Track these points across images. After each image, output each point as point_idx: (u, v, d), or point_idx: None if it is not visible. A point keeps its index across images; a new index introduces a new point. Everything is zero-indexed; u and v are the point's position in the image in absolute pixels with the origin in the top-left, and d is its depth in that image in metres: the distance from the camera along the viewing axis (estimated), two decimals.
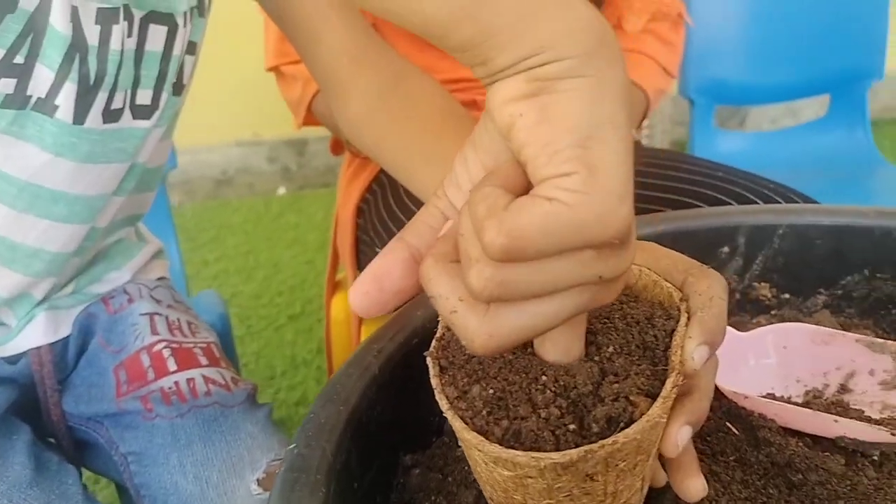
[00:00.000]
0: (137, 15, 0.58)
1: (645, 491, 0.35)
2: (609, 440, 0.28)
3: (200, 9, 0.65)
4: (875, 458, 0.42)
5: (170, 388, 0.65)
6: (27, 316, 0.67)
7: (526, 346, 0.33)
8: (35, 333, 0.68)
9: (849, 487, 0.40)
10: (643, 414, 0.29)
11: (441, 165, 0.59)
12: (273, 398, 1.44)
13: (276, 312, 1.78)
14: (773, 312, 0.60)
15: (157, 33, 0.60)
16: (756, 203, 0.77)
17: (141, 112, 0.62)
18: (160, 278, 0.79)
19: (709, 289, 0.34)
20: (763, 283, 0.60)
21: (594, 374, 0.32)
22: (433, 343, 0.34)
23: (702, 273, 0.35)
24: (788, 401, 0.46)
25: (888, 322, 0.59)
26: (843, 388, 0.46)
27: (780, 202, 0.78)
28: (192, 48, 0.65)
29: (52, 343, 0.69)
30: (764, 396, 0.46)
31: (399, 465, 0.45)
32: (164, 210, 1.13)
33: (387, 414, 0.43)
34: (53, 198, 0.60)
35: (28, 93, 0.54)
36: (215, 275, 1.96)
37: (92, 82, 0.57)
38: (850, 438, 0.41)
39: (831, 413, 0.44)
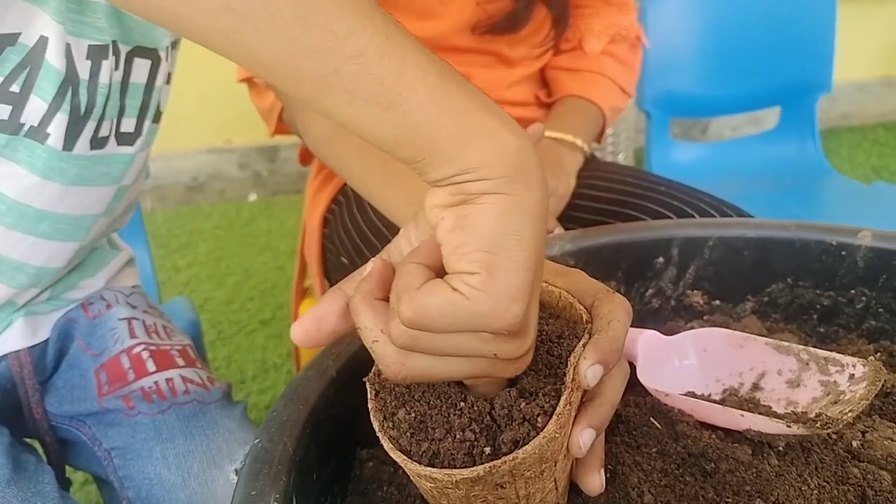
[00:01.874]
0: (124, 50, 0.63)
1: (562, 489, 0.40)
2: (510, 457, 0.34)
3: (176, 42, 0.69)
4: (780, 448, 0.47)
5: (150, 388, 0.69)
6: (6, 321, 0.71)
7: None
8: (13, 338, 0.71)
9: (754, 474, 0.45)
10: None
11: (398, 186, 0.64)
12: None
13: (247, 317, 1.81)
14: (705, 318, 0.65)
15: (141, 66, 0.65)
16: (693, 216, 0.83)
17: (125, 139, 0.66)
18: (134, 286, 0.83)
19: (609, 312, 0.39)
20: (696, 291, 0.65)
21: (511, 397, 0.37)
22: (373, 369, 0.39)
23: (606, 297, 0.40)
24: (708, 398, 0.51)
25: (810, 326, 0.65)
26: (756, 387, 0.51)
27: (714, 215, 0.83)
28: (169, 78, 0.69)
29: (31, 347, 0.72)
30: (686, 394, 0.51)
31: (356, 459, 0.49)
32: (136, 217, 1.16)
33: (344, 412, 0.48)
34: (39, 217, 0.64)
35: (21, 120, 0.59)
36: (187, 281, 1.98)
37: (82, 113, 0.61)
38: (755, 431, 0.46)
39: (744, 409, 0.49)
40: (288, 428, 0.43)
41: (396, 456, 0.35)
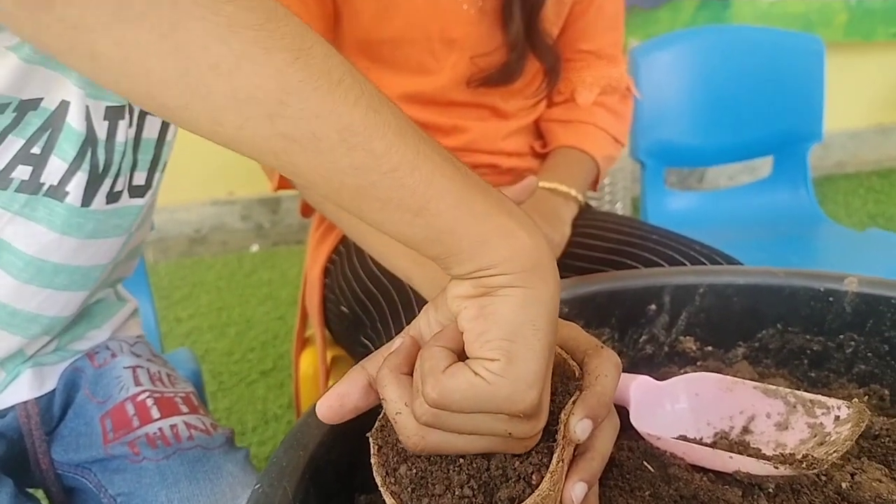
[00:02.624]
0: (137, 108, 0.65)
1: None
2: None
3: None
4: (770, 490, 0.48)
5: (155, 434, 0.70)
6: (13, 372, 0.72)
7: None
8: (21, 389, 0.73)
9: None
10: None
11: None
12: None
13: (247, 368, 1.82)
14: (698, 364, 0.66)
15: (153, 122, 0.68)
16: (685, 264, 0.85)
17: (136, 191, 0.69)
18: (138, 336, 0.85)
19: (597, 367, 0.41)
20: (688, 337, 0.66)
21: (505, 456, 0.38)
22: (375, 424, 0.41)
23: (595, 352, 0.42)
24: (699, 441, 0.52)
25: (801, 371, 0.66)
26: (745, 430, 0.52)
27: (705, 263, 0.85)
28: (175, 131, 0.72)
29: (38, 397, 0.73)
30: (678, 438, 0.52)
31: None
32: (140, 269, 1.18)
33: (343, 458, 0.49)
34: (56, 270, 0.66)
35: (41, 180, 0.61)
36: (188, 332, 2.00)
37: (100, 171, 0.64)
38: (745, 473, 0.47)
39: (735, 451, 0.50)
40: (288, 473, 0.44)
41: None
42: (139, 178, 0.69)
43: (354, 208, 0.37)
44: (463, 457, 0.39)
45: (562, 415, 0.39)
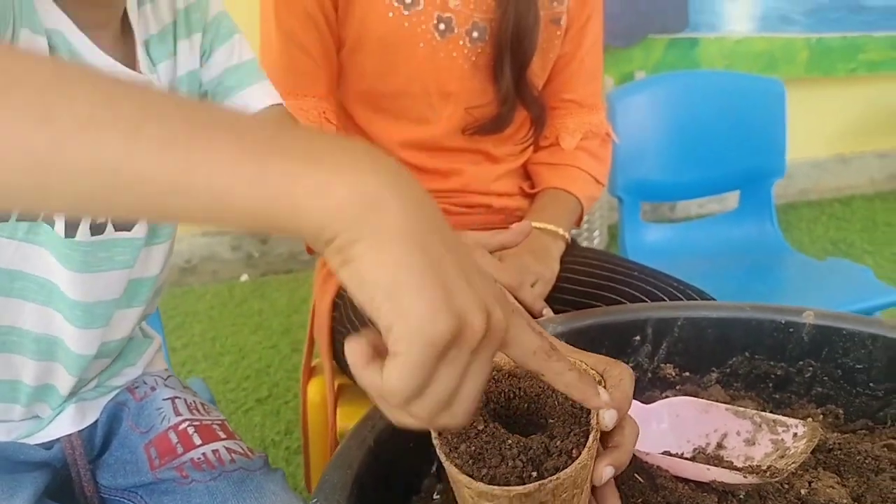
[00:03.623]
0: None
1: None
2: (554, 477, 0.44)
3: None
4: (741, 496, 0.56)
5: (199, 459, 0.76)
6: (58, 409, 0.78)
7: (489, 421, 0.48)
8: (65, 422, 0.78)
9: None
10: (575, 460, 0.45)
11: None
12: None
13: (243, 396, 1.87)
14: (677, 388, 0.74)
15: None
16: (663, 299, 0.94)
17: (121, 225, 0.72)
18: (165, 370, 0.91)
19: (618, 374, 0.50)
20: (668, 364, 0.75)
21: (544, 442, 0.47)
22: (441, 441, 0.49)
23: (615, 364, 0.51)
24: (681, 456, 0.61)
25: (766, 393, 0.74)
26: (719, 445, 0.61)
27: (681, 298, 0.95)
28: None
29: (81, 430, 0.79)
30: (663, 453, 0.60)
31: None
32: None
33: (382, 473, 0.57)
34: (63, 299, 0.71)
35: None
36: (183, 361, 2.04)
37: None
38: (720, 482, 0.56)
39: (710, 464, 0.59)
40: (339, 489, 0.52)
41: (463, 478, 0.44)
42: None
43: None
44: (510, 438, 0.47)
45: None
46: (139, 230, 0.74)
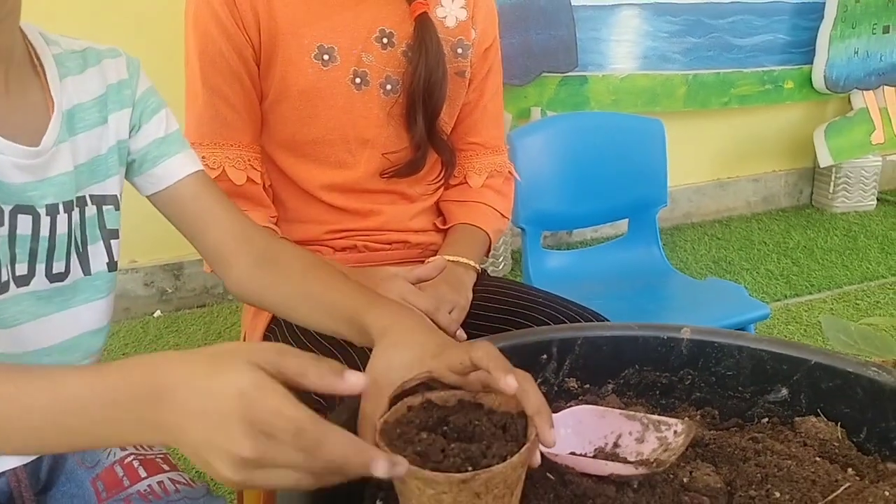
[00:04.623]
0: (6, 208, 0.74)
1: None
2: (487, 469, 0.53)
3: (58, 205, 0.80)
4: (635, 485, 0.66)
5: (145, 490, 0.81)
6: None
7: (433, 435, 0.57)
8: (11, 457, 0.82)
9: (618, 503, 0.65)
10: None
11: (310, 304, 0.82)
12: None
13: None
14: (579, 398, 0.82)
15: (25, 221, 0.76)
16: (564, 321, 1.06)
17: (21, 281, 0.77)
18: None
19: (525, 382, 0.60)
20: (571, 378, 0.83)
21: (481, 448, 0.56)
22: (378, 427, 0.58)
23: (520, 376, 0.61)
24: (584, 455, 0.71)
25: (654, 399, 0.83)
26: (615, 444, 0.71)
27: (580, 320, 1.06)
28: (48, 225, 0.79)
29: (26, 463, 0.83)
30: (569, 454, 0.70)
31: None
32: None
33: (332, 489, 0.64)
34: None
35: None
36: None
37: None
38: (617, 475, 0.66)
39: (609, 460, 0.69)
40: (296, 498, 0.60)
41: (414, 471, 0.53)
42: (21, 269, 0.76)
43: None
44: (451, 444, 0.56)
45: (529, 430, 0.58)
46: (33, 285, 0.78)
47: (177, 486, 0.83)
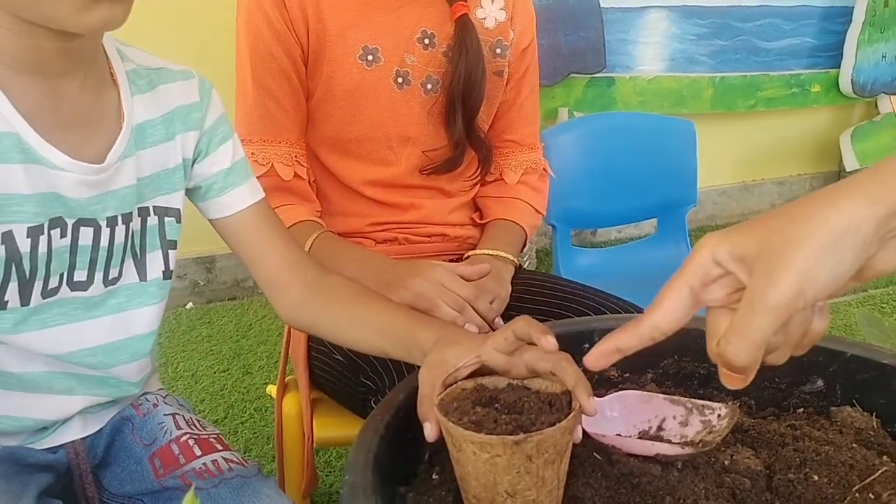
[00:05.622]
0: (70, 222, 0.76)
1: (560, 493, 0.62)
2: (539, 432, 0.56)
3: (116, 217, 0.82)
4: (679, 466, 0.69)
5: (200, 468, 0.84)
6: (65, 419, 0.86)
7: (486, 407, 0.61)
8: (71, 431, 0.86)
9: (664, 483, 0.67)
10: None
11: (361, 326, 0.86)
12: None
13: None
14: (619, 387, 0.85)
15: (86, 233, 0.78)
16: (605, 313, 1.09)
17: (78, 286, 0.79)
18: (160, 389, 1.00)
19: (563, 360, 0.65)
20: (611, 367, 0.79)
21: (531, 418, 0.60)
22: (437, 402, 0.62)
23: (563, 359, 0.66)
24: (629, 437, 0.75)
25: (692, 389, 0.85)
26: (660, 427, 0.74)
27: (620, 312, 1.09)
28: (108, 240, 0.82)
29: (84, 437, 0.87)
30: (616, 435, 0.74)
31: (395, 494, 0.69)
32: None
33: (385, 468, 0.68)
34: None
35: None
36: None
37: (28, 277, 0.74)
38: (662, 455, 0.69)
39: (653, 441, 0.72)
40: (360, 466, 0.63)
41: (467, 434, 0.56)
42: (80, 276, 0.79)
43: None
44: (502, 415, 0.60)
45: (573, 401, 0.62)
46: (94, 289, 0.80)
47: (230, 464, 0.86)
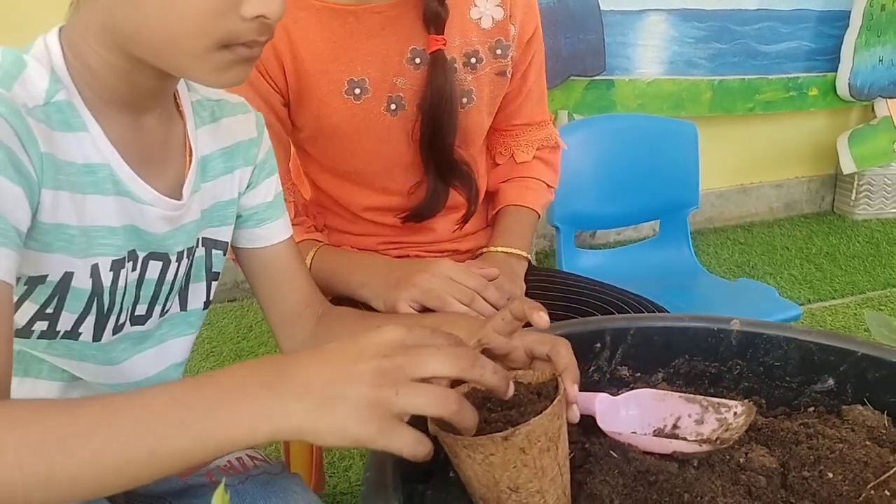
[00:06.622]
0: (141, 255, 0.75)
1: (564, 480, 0.62)
2: (526, 424, 0.56)
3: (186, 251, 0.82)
4: (695, 463, 0.69)
5: (226, 465, 0.84)
6: None
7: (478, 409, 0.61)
8: None
9: (681, 480, 0.67)
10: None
11: None
12: None
13: None
14: (630, 386, 0.84)
15: (154, 266, 0.77)
16: (622, 308, 1.08)
17: (137, 320, 0.79)
18: None
19: (559, 345, 0.66)
20: (623, 366, 0.85)
21: (519, 411, 0.60)
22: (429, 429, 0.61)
23: (557, 342, 0.67)
24: (645, 435, 0.75)
25: (703, 388, 0.85)
26: (675, 426, 0.73)
27: (636, 307, 1.08)
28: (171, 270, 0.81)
29: None
30: (631, 433, 0.74)
31: (414, 492, 0.69)
32: None
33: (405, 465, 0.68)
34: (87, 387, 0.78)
35: (57, 328, 0.71)
36: None
37: (105, 311, 0.73)
38: (679, 452, 0.69)
39: (669, 438, 0.72)
40: (380, 464, 0.63)
41: (459, 439, 0.56)
42: (140, 310, 0.78)
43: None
44: (493, 413, 0.61)
45: (560, 384, 0.62)
46: (151, 323, 0.80)
47: (255, 461, 0.86)
